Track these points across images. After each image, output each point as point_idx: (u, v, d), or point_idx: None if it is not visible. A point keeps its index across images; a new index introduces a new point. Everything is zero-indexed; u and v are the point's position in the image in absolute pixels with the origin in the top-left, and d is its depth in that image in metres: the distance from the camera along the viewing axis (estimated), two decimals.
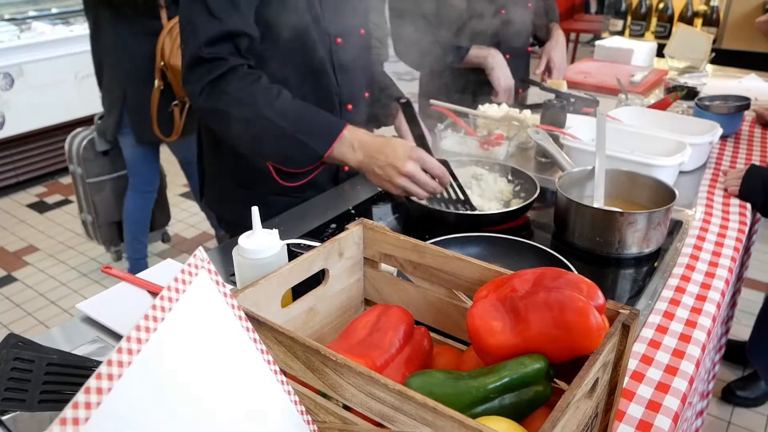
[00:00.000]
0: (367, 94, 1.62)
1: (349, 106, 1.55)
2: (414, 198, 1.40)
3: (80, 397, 0.40)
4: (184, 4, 1.28)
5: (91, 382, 0.41)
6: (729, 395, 2.44)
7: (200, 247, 0.56)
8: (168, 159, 4.79)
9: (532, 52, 2.57)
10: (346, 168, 1.57)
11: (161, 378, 0.48)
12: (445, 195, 1.42)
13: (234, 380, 0.56)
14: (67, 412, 0.39)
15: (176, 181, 4.38)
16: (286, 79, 1.40)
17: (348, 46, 1.48)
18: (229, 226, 1.66)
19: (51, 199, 4.13)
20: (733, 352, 2.58)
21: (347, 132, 1.32)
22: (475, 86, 2.25)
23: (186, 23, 1.27)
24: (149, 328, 0.47)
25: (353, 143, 1.33)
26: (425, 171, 1.33)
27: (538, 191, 1.46)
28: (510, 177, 1.59)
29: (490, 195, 1.52)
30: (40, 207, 4.03)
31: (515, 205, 1.46)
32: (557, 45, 2.44)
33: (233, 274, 1.14)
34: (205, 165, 1.61)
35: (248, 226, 0.93)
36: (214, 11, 1.22)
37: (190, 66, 1.26)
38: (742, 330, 2.82)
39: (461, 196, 1.43)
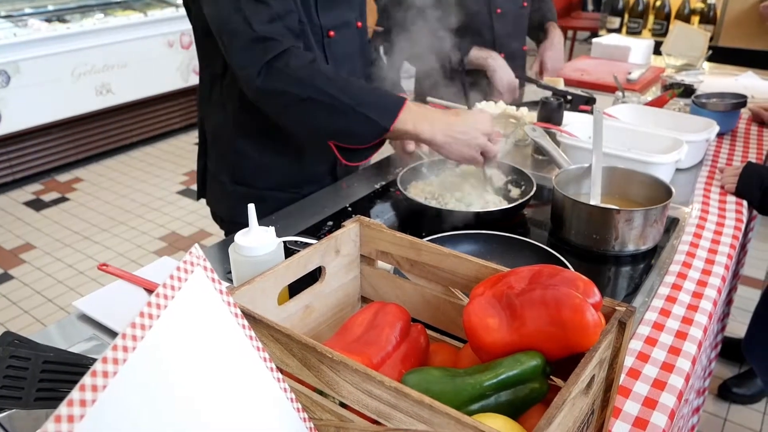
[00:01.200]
0: None
1: None
2: (410, 195, 1.42)
3: (75, 394, 0.40)
4: (222, 2, 1.23)
5: (86, 379, 0.41)
6: (725, 392, 2.44)
7: (196, 245, 0.56)
8: (163, 156, 4.81)
9: (530, 50, 2.57)
10: (343, 161, 1.53)
11: (157, 375, 0.48)
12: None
13: (230, 378, 0.56)
14: (62, 409, 0.39)
15: (174, 179, 4.38)
16: None
17: (342, 39, 1.47)
18: (224, 223, 1.65)
19: (48, 197, 4.12)
20: (729, 350, 2.59)
21: (411, 104, 1.32)
22: (470, 86, 2.25)
23: (229, 17, 1.23)
24: (145, 325, 0.47)
25: (417, 117, 1.32)
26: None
27: (534, 188, 1.46)
28: (508, 175, 1.59)
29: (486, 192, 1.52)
30: (37, 204, 4.03)
31: (512, 202, 1.46)
32: (552, 45, 2.45)
33: (231, 272, 1.13)
34: (207, 162, 1.60)
35: (244, 223, 0.93)
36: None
37: (244, 47, 1.23)
38: (739, 327, 2.82)
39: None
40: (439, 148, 1.37)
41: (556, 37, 2.46)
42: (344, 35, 1.48)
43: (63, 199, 4.09)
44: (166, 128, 5.07)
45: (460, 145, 1.36)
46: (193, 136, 5.18)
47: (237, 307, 0.58)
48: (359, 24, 1.55)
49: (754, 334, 2.22)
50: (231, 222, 1.59)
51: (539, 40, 2.55)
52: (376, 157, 1.57)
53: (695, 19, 3.73)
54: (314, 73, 1.24)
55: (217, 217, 1.66)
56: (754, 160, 1.82)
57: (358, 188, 1.61)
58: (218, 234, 3.60)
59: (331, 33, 1.44)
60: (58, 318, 2.91)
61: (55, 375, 0.84)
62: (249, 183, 1.52)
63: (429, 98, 1.94)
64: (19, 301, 3.07)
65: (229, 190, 1.53)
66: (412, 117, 1.31)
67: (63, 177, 4.41)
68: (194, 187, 4.18)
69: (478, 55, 2.19)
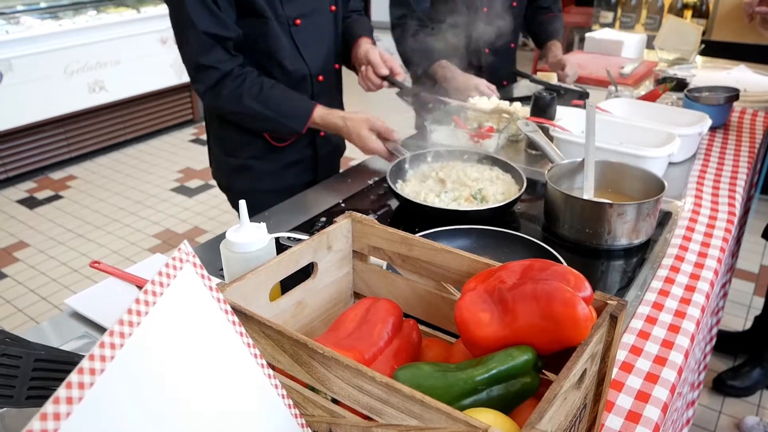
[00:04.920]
0: (337, 66, 1.79)
1: (320, 78, 1.71)
2: (400, 191, 1.44)
3: (61, 391, 0.40)
4: (171, 14, 1.49)
5: (73, 377, 0.41)
6: (720, 385, 2.45)
7: (185, 241, 0.56)
8: (157, 153, 4.79)
9: (524, 44, 2.59)
10: (322, 133, 1.77)
11: (145, 372, 0.47)
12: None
13: (220, 374, 0.56)
14: (48, 407, 0.38)
15: (168, 176, 4.37)
16: (257, 61, 1.59)
17: (311, 26, 1.63)
18: (228, 192, 1.84)
19: (41, 195, 4.11)
20: (723, 343, 2.60)
21: (317, 117, 1.59)
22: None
23: (177, 32, 1.50)
24: (132, 322, 0.47)
25: (327, 126, 1.60)
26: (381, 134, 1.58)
27: (524, 186, 1.45)
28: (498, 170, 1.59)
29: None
30: (30, 203, 4.01)
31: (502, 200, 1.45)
32: (567, 58, 2.40)
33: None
34: (210, 143, 1.82)
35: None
36: (195, 22, 1.43)
37: (192, 73, 1.53)
38: (733, 320, 2.84)
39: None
40: (353, 143, 1.61)
41: (567, 61, 2.39)
42: (314, 21, 1.63)
43: (56, 197, 4.07)
44: (159, 125, 5.06)
45: (361, 144, 1.58)
46: (187, 133, 5.17)
47: (227, 303, 0.58)
48: (333, 8, 1.67)
49: None
50: (228, 189, 1.82)
51: (540, 43, 2.55)
52: (372, 156, 1.65)
53: (688, 13, 3.72)
54: (243, 93, 1.53)
55: (221, 186, 1.85)
56: (746, 154, 1.82)
57: (352, 184, 1.61)
58: (213, 231, 3.61)
59: (298, 21, 1.59)
60: (52, 316, 2.90)
61: (47, 373, 0.83)
62: (235, 154, 1.72)
63: (423, 93, 1.95)
64: (12, 299, 3.06)
65: (222, 161, 1.76)
66: (322, 121, 1.60)
67: (56, 175, 4.40)
68: (188, 184, 4.20)
69: (435, 70, 2.16)
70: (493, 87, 2.10)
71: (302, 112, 1.58)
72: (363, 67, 1.73)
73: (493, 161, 1.60)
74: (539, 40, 2.55)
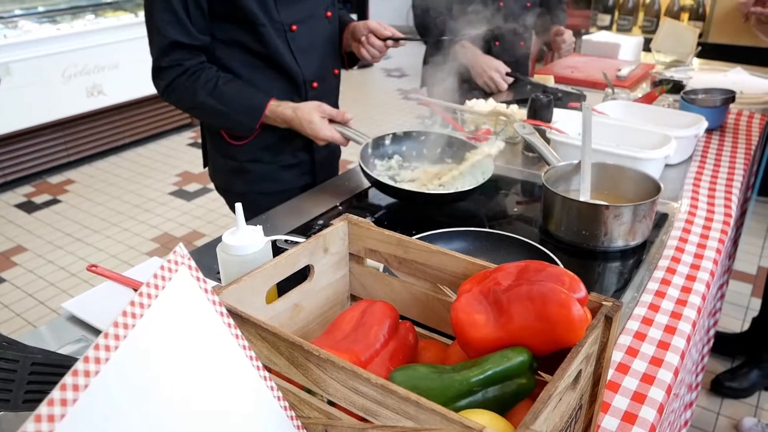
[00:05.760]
0: (336, 71, 1.78)
1: (315, 84, 1.69)
2: (366, 169, 1.49)
3: (56, 393, 0.40)
4: (145, 14, 1.52)
5: (67, 379, 0.41)
6: (718, 387, 2.45)
7: (180, 244, 0.56)
8: (155, 157, 4.79)
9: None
10: (231, 142, 1.73)
11: (140, 374, 0.47)
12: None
13: (216, 377, 0.56)
14: (42, 409, 0.39)
15: (166, 180, 4.37)
16: (250, 65, 1.59)
17: (307, 32, 1.62)
18: (225, 193, 1.84)
19: (39, 199, 4.10)
20: (721, 344, 2.60)
21: (268, 111, 1.56)
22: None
23: (147, 30, 1.53)
24: (127, 324, 0.47)
25: (276, 119, 1.57)
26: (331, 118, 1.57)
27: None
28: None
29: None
30: (28, 207, 4.01)
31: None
32: (564, 30, 2.59)
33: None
34: (205, 141, 1.82)
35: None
36: (161, 29, 1.47)
37: (154, 72, 1.56)
38: (731, 322, 2.84)
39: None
40: (305, 134, 1.58)
41: (566, 31, 2.60)
42: (310, 27, 1.62)
43: (55, 201, 4.07)
44: (157, 129, 5.06)
45: (313, 133, 1.55)
46: (186, 137, 5.17)
47: (222, 305, 0.58)
48: (329, 14, 1.67)
49: None
50: (225, 191, 1.81)
51: (547, 44, 2.64)
52: None
53: (685, 15, 3.74)
54: (197, 89, 1.52)
55: (219, 188, 1.84)
56: (742, 156, 1.83)
57: (349, 186, 1.61)
58: (211, 235, 3.61)
59: (294, 27, 1.58)
60: (50, 321, 2.89)
61: (44, 377, 0.83)
62: (233, 157, 1.71)
63: (419, 97, 1.97)
64: (10, 303, 3.05)
65: (219, 163, 1.75)
66: (273, 115, 1.56)
67: (54, 179, 4.40)
68: (186, 188, 4.19)
69: (458, 50, 2.25)
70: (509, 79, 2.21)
71: (255, 108, 1.56)
72: (363, 37, 1.70)
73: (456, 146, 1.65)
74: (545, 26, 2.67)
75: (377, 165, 1.62)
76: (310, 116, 1.53)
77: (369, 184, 1.63)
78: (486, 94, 2.41)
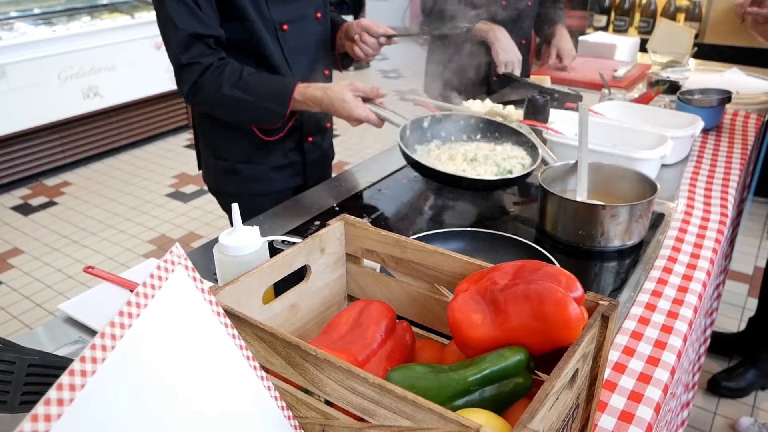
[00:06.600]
0: (327, 72, 1.75)
1: None
2: (407, 152, 1.49)
3: (52, 393, 0.40)
4: (157, 15, 1.50)
5: (64, 378, 0.41)
6: (714, 386, 2.46)
7: (177, 244, 0.56)
8: (151, 158, 4.79)
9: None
10: (310, 139, 1.75)
11: (137, 374, 0.47)
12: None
13: (213, 377, 0.56)
14: (39, 408, 0.39)
15: (163, 181, 4.37)
16: (241, 64, 1.55)
17: (298, 32, 1.61)
18: (218, 195, 1.82)
19: (35, 201, 4.10)
20: (718, 344, 2.60)
21: (297, 94, 1.51)
22: (481, 81, 2.32)
23: (162, 33, 1.50)
24: (124, 324, 0.47)
25: (307, 101, 1.51)
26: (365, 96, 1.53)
27: (539, 160, 1.52)
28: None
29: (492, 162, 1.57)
30: (25, 209, 4.00)
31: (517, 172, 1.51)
32: (563, 38, 2.64)
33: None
34: (200, 146, 1.80)
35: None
36: (178, 23, 1.43)
37: (176, 72, 1.51)
38: (727, 322, 2.84)
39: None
40: (337, 115, 1.53)
41: (564, 32, 2.67)
42: (301, 27, 1.62)
43: (51, 203, 4.07)
44: (154, 131, 5.05)
45: (346, 113, 1.49)
46: (182, 139, 5.16)
47: (219, 306, 0.58)
48: (318, 15, 1.67)
49: None
50: (217, 192, 1.80)
51: (546, 38, 2.70)
52: (367, 157, 1.63)
53: (681, 16, 3.74)
54: (222, 83, 1.48)
55: (212, 190, 1.83)
56: (739, 156, 1.83)
57: (346, 187, 1.62)
58: (208, 236, 3.61)
59: (285, 27, 1.57)
60: (45, 322, 2.89)
61: (41, 378, 0.83)
62: (224, 158, 1.71)
63: (415, 98, 1.97)
64: (7, 306, 3.05)
65: (211, 165, 1.75)
66: (302, 98, 1.51)
67: (51, 181, 4.39)
68: (183, 190, 4.19)
69: (481, 27, 2.29)
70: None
71: (283, 93, 1.51)
72: (356, 35, 1.68)
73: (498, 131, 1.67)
74: (544, 22, 2.72)
75: (417, 149, 1.61)
76: (342, 95, 1.46)
77: (366, 185, 1.63)
78: (488, 92, 2.43)
